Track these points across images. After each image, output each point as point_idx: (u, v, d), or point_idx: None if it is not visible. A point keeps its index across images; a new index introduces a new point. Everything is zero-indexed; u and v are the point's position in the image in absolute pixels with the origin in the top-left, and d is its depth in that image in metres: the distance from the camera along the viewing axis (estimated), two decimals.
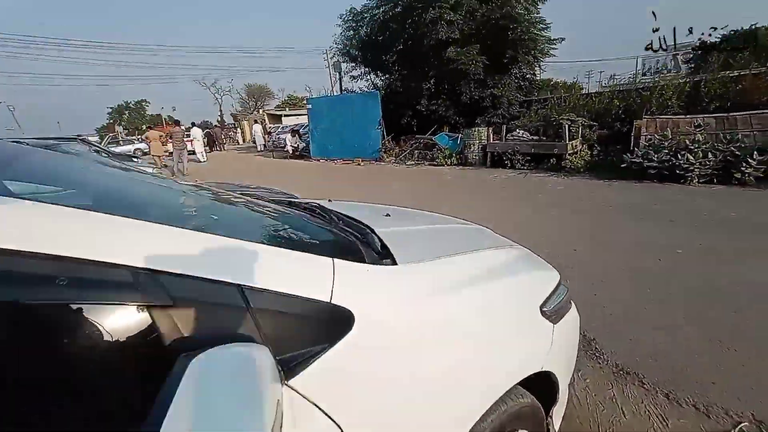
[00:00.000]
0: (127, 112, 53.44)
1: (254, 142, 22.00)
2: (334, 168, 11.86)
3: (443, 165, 10.14)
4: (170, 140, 11.73)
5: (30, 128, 39.89)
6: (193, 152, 15.79)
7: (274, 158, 15.93)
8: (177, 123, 12.99)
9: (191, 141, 15.68)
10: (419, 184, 7.89)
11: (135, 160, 9.96)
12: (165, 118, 34.62)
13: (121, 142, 24.02)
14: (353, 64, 14.47)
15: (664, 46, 6.47)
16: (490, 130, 9.31)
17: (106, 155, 9.35)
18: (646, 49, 6.80)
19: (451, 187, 7.45)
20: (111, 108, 54.56)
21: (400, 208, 2.26)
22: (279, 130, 20.00)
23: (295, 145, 15.41)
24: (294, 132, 15.61)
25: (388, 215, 1.65)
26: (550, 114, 9.24)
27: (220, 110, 48.09)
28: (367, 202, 7.01)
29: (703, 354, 2.12)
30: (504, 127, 9.27)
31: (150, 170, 7.55)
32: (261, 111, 34.26)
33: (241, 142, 30.03)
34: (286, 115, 29.11)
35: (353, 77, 14.82)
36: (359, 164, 11.97)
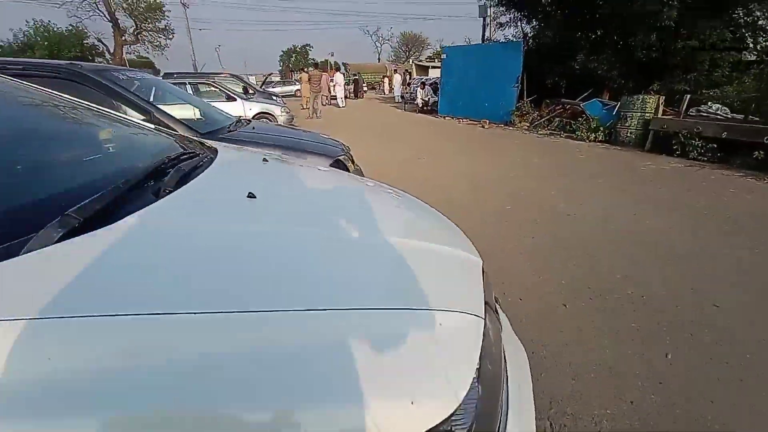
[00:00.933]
0: (293, 55, 60.66)
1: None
2: (455, 128, 10.90)
3: (584, 140, 8.09)
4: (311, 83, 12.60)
5: (229, 66, 50.49)
6: (335, 97, 16.83)
7: (405, 111, 15.65)
8: (316, 66, 13.81)
9: (335, 86, 16.69)
10: (535, 161, 6.37)
11: (275, 98, 11.03)
12: (330, 63, 37.93)
13: (287, 83, 27.68)
14: (502, 8, 12.38)
15: None
16: (661, 99, 6.74)
17: (253, 92, 10.70)
18: None
19: (576, 171, 5.63)
20: (282, 51, 63.22)
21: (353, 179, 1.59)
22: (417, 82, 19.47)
23: (426, 99, 14.77)
24: (424, 84, 14.89)
25: (265, 160, 1.34)
26: None
27: (378, 57, 49.88)
28: (451, 173, 5.87)
29: None
30: (686, 97, 6.52)
31: (278, 109, 8.24)
32: (411, 61, 33.86)
33: (386, 92, 30.65)
34: (433, 67, 28.06)
35: (500, 24, 12.82)
36: (483, 126, 10.68)
